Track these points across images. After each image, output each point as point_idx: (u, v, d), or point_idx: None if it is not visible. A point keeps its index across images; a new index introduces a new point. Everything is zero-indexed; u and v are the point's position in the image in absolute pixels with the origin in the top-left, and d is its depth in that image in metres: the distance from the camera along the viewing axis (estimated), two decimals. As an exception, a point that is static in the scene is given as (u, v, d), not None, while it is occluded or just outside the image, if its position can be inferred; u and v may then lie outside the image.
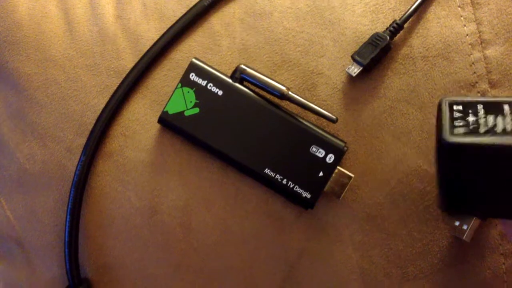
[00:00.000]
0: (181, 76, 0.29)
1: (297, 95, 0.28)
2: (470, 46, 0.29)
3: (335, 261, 0.30)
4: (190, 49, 0.30)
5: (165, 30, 0.30)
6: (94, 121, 0.30)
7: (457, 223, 0.26)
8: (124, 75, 0.30)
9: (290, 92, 0.28)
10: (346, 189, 0.28)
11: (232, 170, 0.29)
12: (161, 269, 0.30)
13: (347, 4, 0.30)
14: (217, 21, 0.31)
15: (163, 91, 0.30)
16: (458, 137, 0.22)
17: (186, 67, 0.29)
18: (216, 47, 0.30)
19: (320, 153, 0.28)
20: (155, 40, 0.30)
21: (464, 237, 0.26)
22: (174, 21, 0.30)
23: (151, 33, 0.31)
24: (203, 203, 0.30)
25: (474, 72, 0.29)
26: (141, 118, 0.30)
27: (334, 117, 0.28)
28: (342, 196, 0.28)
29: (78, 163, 0.29)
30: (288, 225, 0.30)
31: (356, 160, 0.29)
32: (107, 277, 0.31)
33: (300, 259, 0.30)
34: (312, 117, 0.29)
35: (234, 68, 0.29)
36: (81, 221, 0.30)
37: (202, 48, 0.30)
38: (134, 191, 0.30)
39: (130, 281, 0.30)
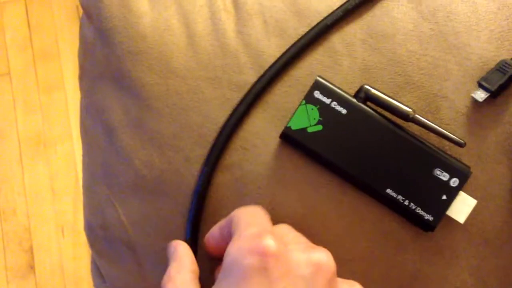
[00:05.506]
0: (301, 92, 0.30)
1: (423, 117, 0.29)
2: None
3: (449, 285, 0.30)
4: (311, 67, 0.31)
5: (286, 47, 0.31)
6: (213, 133, 0.31)
7: None
8: (245, 89, 0.31)
9: (416, 115, 0.29)
10: (469, 213, 0.28)
11: (350, 188, 0.30)
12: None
13: (472, 30, 0.30)
14: (338, 40, 0.31)
15: (283, 107, 0.31)
16: None
17: (307, 84, 0.30)
18: (337, 66, 0.31)
19: (444, 176, 0.28)
20: (276, 56, 0.31)
21: None
22: (295, 39, 0.31)
23: (272, 49, 0.31)
24: (320, 219, 0.30)
25: None
26: (261, 132, 0.31)
27: (462, 141, 0.28)
28: (464, 220, 0.28)
29: (201, 173, 0.30)
30: (404, 246, 0.30)
31: (477, 185, 0.29)
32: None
33: (413, 281, 0.30)
34: (434, 140, 0.29)
35: (357, 88, 0.29)
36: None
37: (322, 66, 0.31)
38: (251, 204, 0.30)
39: None
